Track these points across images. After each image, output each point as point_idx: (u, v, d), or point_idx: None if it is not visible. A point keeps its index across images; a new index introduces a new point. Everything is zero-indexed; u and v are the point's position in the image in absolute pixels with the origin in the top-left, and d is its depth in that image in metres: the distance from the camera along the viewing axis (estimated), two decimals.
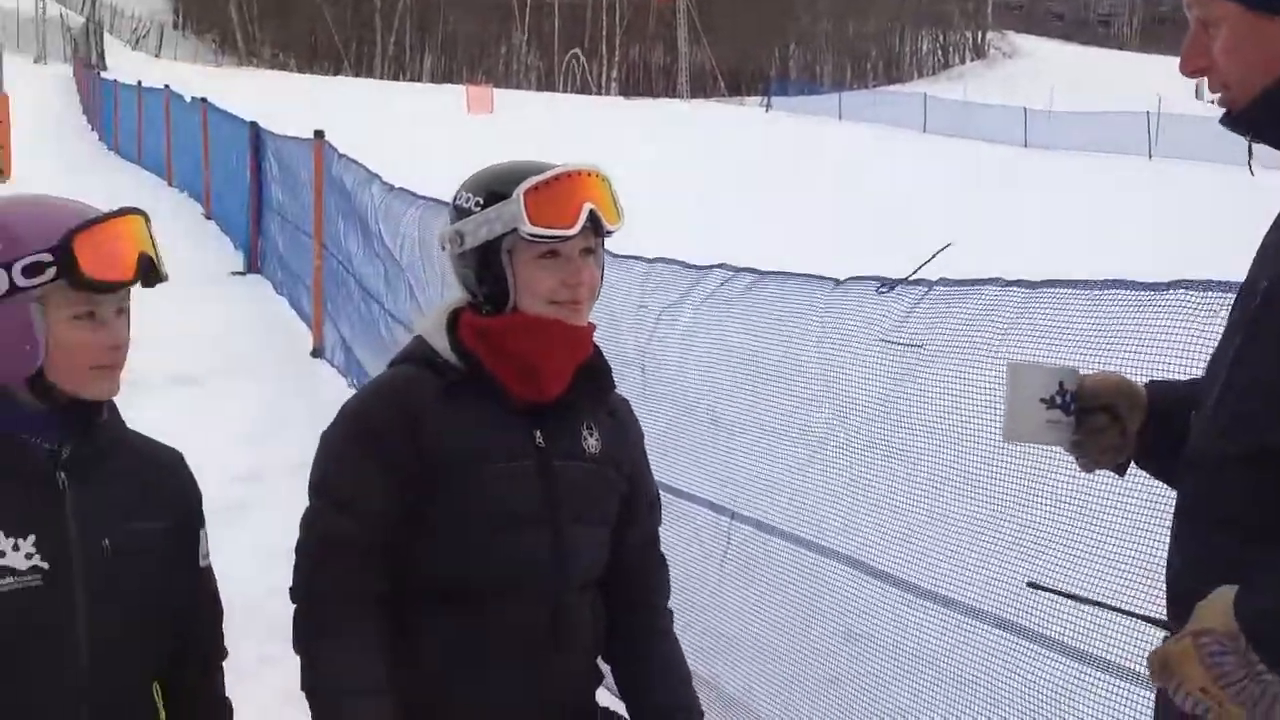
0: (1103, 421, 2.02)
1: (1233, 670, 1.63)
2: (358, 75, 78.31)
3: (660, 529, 2.54)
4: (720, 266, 4.37)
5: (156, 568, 2.09)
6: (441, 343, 2.31)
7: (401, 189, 8.11)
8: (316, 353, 10.40)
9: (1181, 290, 2.69)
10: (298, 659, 2.25)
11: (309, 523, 2.28)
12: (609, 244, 2.38)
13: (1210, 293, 2.61)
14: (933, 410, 3.34)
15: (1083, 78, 72.50)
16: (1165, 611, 1.88)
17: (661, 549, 2.53)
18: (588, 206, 2.23)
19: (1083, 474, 2.16)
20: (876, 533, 3.58)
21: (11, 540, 1.94)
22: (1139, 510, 2.60)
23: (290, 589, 2.27)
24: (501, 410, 2.27)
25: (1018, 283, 3.16)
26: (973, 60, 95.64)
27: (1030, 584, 2.04)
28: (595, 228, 2.25)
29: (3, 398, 1.99)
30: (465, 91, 54.12)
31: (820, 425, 3.82)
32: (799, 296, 3.91)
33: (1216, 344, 1.93)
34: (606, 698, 2.50)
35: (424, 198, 7.43)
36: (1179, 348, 2.57)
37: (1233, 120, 1.84)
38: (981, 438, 3.10)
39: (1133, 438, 2.03)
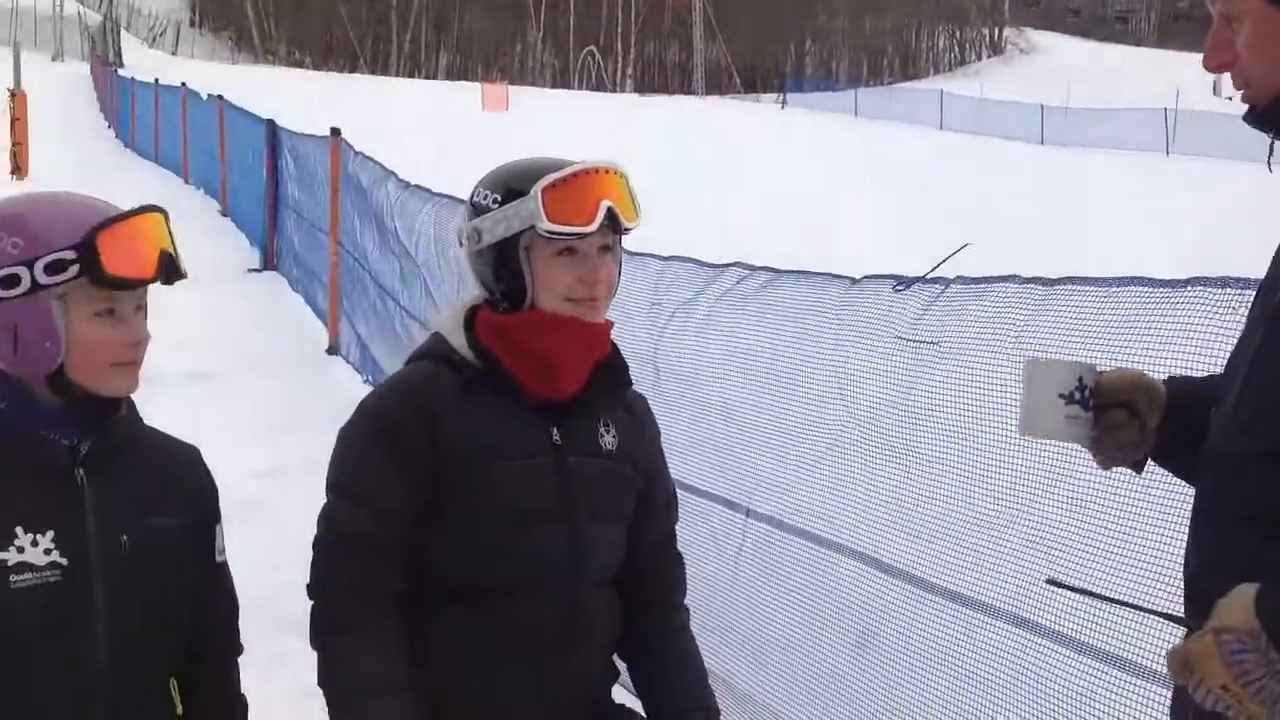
0: (1121, 418, 2.01)
1: (1254, 668, 1.63)
2: (373, 73, 78.41)
3: (676, 526, 2.54)
4: (736, 265, 4.36)
5: (174, 563, 2.10)
6: (459, 340, 2.31)
7: (417, 186, 8.12)
8: (332, 350, 10.42)
9: (1199, 287, 2.68)
10: (313, 655, 2.25)
11: (327, 519, 2.28)
12: (624, 241, 2.38)
13: (1228, 289, 2.60)
14: (948, 407, 3.33)
15: (1100, 74, 72.31)
16: (1183, 609, 1.87)
17: (677, 546, 2.53)
18: (605, 204, 2.23)
19: (1100, 471, 2.15)
20: (891, 530, 3.57)
21: (30, 536, 1.95)
22: (1156, 507, 2.59)
23: (307, 585, 2.28)
24: (518, 407, 2.27)
25: (1035, 280, 3.15)
26: (989, 57, 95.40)
27: (1050, 581, 2.03)
28: (613, 225, 2.25)
29: (22, 394, 2.00)
30: (480, 89, 54.17)
31: (835, 422, 3.81)
32: (814, 295, 3.90)
33: (1236, 341, 1.92)
34: (623, 695, 2.50)
35: (439, 195, 7.44)
36: (1197, 345, 2.56)
37: (1255, 117, 1.83)
38: (997, 435, 3.09)
39: (1151, 434, 2.02)
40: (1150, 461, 2.08)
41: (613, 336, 2.39)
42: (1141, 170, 32.19)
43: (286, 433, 7.72)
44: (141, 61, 49.76)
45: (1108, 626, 2.78)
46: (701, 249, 5.28)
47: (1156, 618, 1.92)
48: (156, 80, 27.04)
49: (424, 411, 2.25)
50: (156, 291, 2.06)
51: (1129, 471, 2.13)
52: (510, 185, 2.26)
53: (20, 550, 1.94)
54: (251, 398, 8.77)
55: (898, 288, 3.56)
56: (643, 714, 2.43)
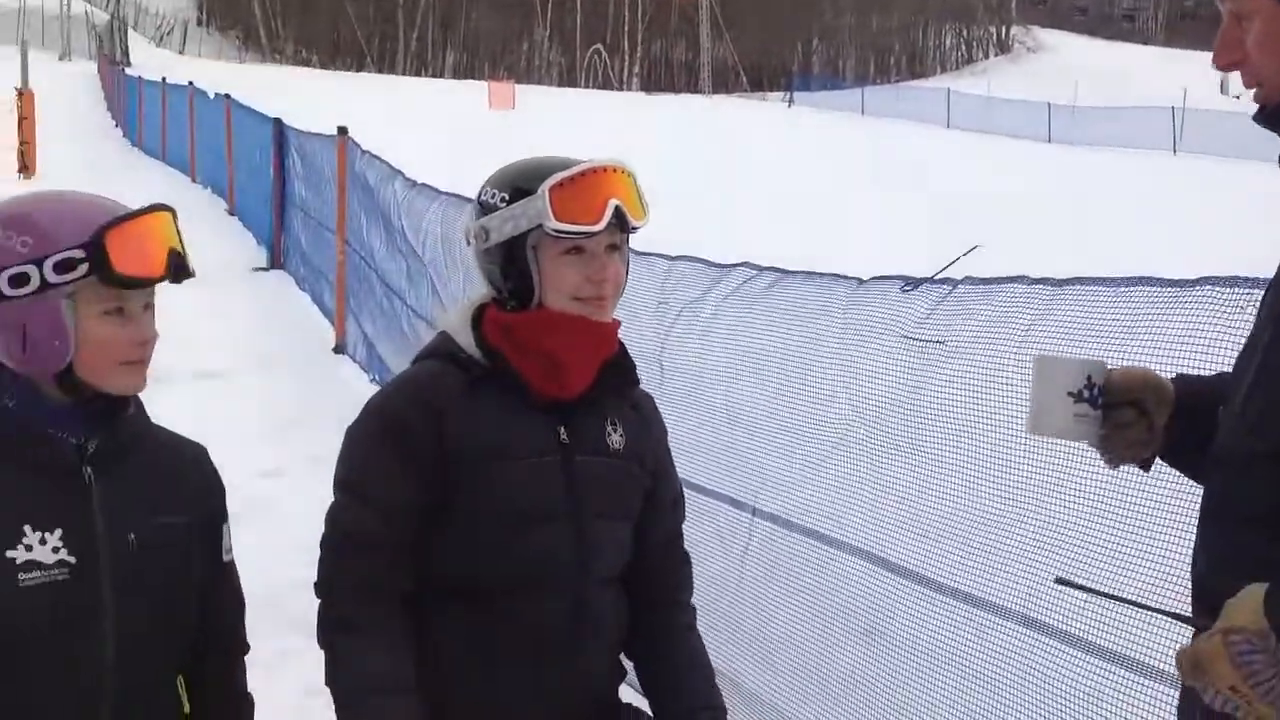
0: (1129, 416, 2.00)
1: (1262, 669, 1.62)
2: (380, 71, 78.42)
3: (683, 525, 2.53)
4: (743, 265, 4.35)
5: (181, 562, 2.10)
6: (466, 338, 2.31)
7: (424, 185, 8.12)
8: (339, 348, 10.43)
9: (1208, 286, 2.67)
10: (319, 653, 2.26)
11: (334, 518, 2.28)
12: (631, 239, 2.37)
13: (1237, 289, 2.59)
14: (956, 407, 3.32)
15: (1107, 73, 72.17)
16: (1190, 609, 1.87)
17: (684, 545, 2.53)
18: (613, 203, 2.23)
19: (1107, 470, 2.15)
20: (898, 529, 3.57)
21: (39, 534, 1.95)
22: (1163, 507, 2.58)
23: (314, 584, 2.28)
24: (525, 406, 2.27)
25: (1043, 280, 3.14)
26: (996, 55, 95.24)
27: (1059, 580, 2.02)
28: (620, 224, 2.25)
29: (31, 393, 2.00)
30: (487, 87, 54.19)
31: (841, 421, 3.81)
32: (821, 295, 3.89)
33: (1244, 340, 1.92)
34: (629, 694, 2.49)
35: (446, 194, 7.44)
36: (1206, 344, 2.56)
37: (1266, 116, 1.82)
38: (1004, 433, 3.08)
39: (1159, 433, 2.01)
40: (1158, 460, 2.08)
41: (619, 335, 2.39)
42: (1149, 169, 32.15)
43: (293, 431, 7.73)
44: (149, 60, 49.83)
45: (1115, 626, 2.78)
46: (708, 248, 5.27)
47: (1164, 618, 1.91)
48: (164, 79, 27.04)
49: (431, 410, 2.24)
50: (163, 290, 2.06)
51: (1136, 470, 2.13)
52: (518, 184, 2.26)
53: (28, 549, 1.94)
54: (258, 396, 8.78)
55: (905, 288, 3.55)
56: (649, 713, 2.43)
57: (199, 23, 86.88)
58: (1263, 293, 1.91)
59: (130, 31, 65.80)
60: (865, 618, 3.68)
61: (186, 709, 2.19)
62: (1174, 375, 2.10)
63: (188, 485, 2.16)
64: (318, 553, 2.28)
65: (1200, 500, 1.91)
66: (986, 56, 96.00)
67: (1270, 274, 1.87)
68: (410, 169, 8.91)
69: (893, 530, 3.59)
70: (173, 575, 2.09)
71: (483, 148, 15.38)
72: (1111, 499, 2.78)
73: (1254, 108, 1.84)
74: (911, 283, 3.55)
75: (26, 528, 1.95)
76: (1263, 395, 1.76)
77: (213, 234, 14.55)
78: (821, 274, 4.00)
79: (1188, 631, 1.85)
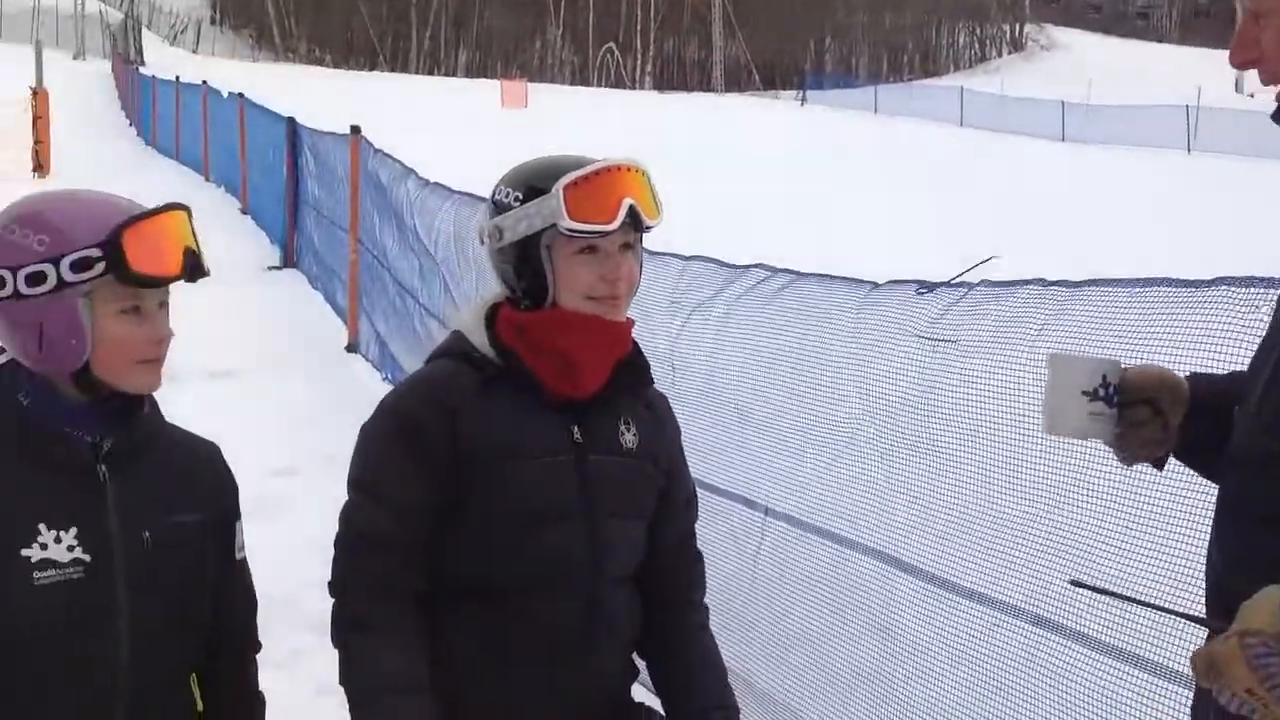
0: (1144, 415, 1.99)
1: (1279, 672, 1.61)
2: (393, 70, 78.55)
3: (696, 525, 2.53)
4: (758, 266, 4.34)
5: (194, 560, 2.11)
6: (480, 338, 2.31)
7: (437, 184, 8.13)
8: (351, 347, 10.44)
9: (1224, 286, 2.66)
10: (332, 652, 2.26)
11: (347, 517, 2.28)
12: (645, 240, 2.37)
13: (1253, 289, 2.58)
14: (969, 406, 3.32)
15: (1121, 71, 71.95)
16: (1204, 609, 1.86)
17: (697, 544, 2.53)
18: (627, 202, 2.22)
19: (1121, 470, 2.14)
20: (911, 529, 3.56)
21: (54, 533, 1.96)
22: (1178, 507, 2.57)
23: (328, 583, 2.28)
24: (539, 405, 2.27)
25: (1059, 283, 3.12)
26: (1010, 53, 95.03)
27: (1073, 582, 2.01)
28: (635, 223, 2.24)
29: (47, 391, 2.01)
30: (500, 86, 54.22)
31: (854, 421, 3.80)
32: (836, 298, 3.88)
33: (1260, 340, 1.91)
34: (642, 693, 2.49)
35: (459, 192, 7.45)
36: (1221, 344, 2.55)
37: None
38: (1017, 433, 3.07)
39: (1174, 432, 2.00)
40: (1172, 459, 2.07)
41: (633, 335, 2.38)
42: (1163, 168, 32.05)
43: (306, 430, 7.74)
44: (162, 59, 49.96)
45: (1128, 626, 2.77)
46: (720, 248, 5.27)
47: (1178, 619, 1.91)
48: (177, 78, 27.11)
49: (445, 410, 2.24)
50: (176, 289, 2.07)
51: (1150, 469, 2.12)
52: (532, 183, 2.26)
53: (44, 547, 1.95)
54: (271, 395, 8.80)
55: (920, 291, 3.54)
56: (662, 712, 2.43)
57: (213, 22, 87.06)
58: (1279, 292, 1.90)
59: (144, 30, 65.93)
60: (878, 617, 3.67)
61: (200, 707, 2.20)
62: (1189, 374, 2.09)
63: (201, 484, 2.16)
64: (331, 552, 2.28)
65: (1214, 500, 1.90)
66: (1000, 55, 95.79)
67: None
68: (423, 168, 8.92)
69: (905, 530, 3.59)
70: (186, 574, 2.09)
71: (495, 147, 15.39)
72: (1125, 498, 2.77)
73: (1270, 106, 1.83)
74: (926, 286, 3.54)
75: (42, 526, 1.96)
76: (1278, 395, 1.75)
77: (226, 233, 14.58)
78: (836, 277, 3.99)
79: (1201, 632, 1.84)
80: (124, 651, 2.01)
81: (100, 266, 1.95)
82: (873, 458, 3.72)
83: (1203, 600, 1.90)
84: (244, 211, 18.04)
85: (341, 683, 2.22)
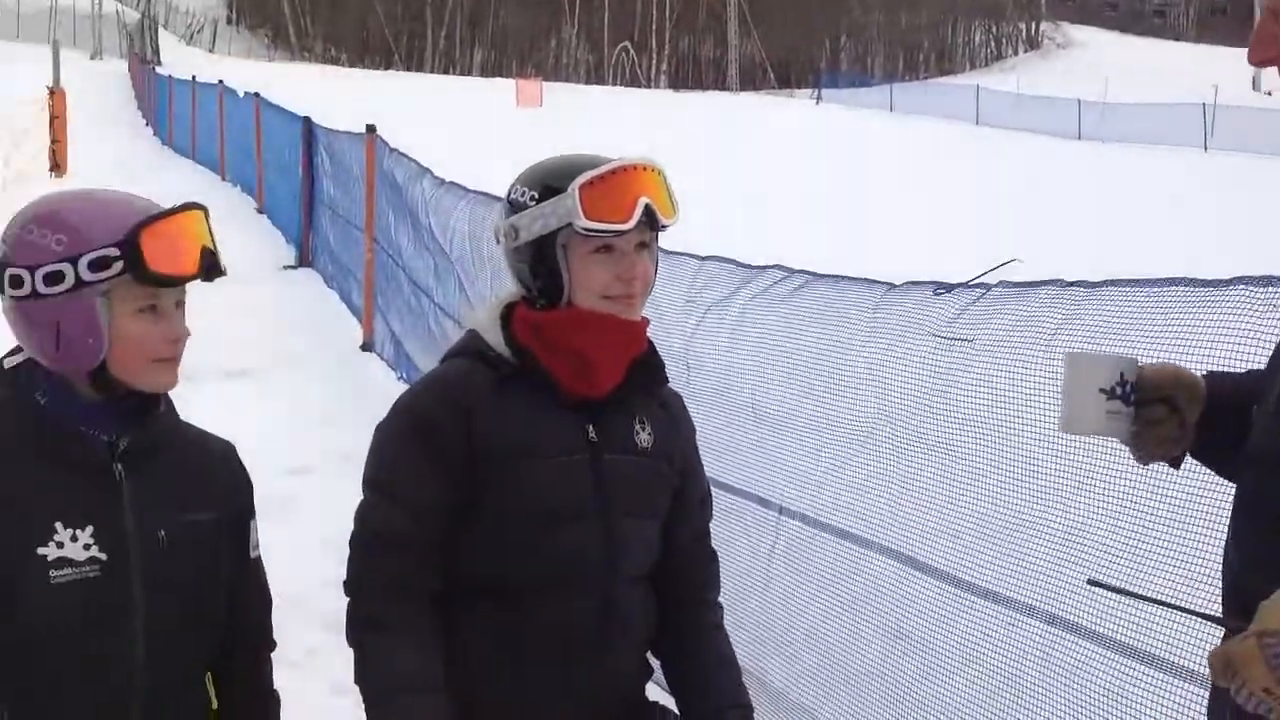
0: (1161, 413, 1.99)
1: None
2: (408, 70, 78.64)
3: (710, 524, 2.53)
4: (775, 267, 4.34)
5: (209, 558, 2.12)
6: (495, 337, 2.31)
7: (452, 183, 8.13)
8: (366, 346, 10.46)
9: (1242, 286, 2.65)
10: (347, 651, 2.26)
11: (363, 516, 2.29)
12: (661, 239, 2.37)
13: (1271, 288, 2.57)
14: (984, 406, 3.31)
15: (1137, 69, 71.70)
16: (1220, 608, 1.85)
17: (711, 543, 2.53)
18: (643, 201, 2.22)
19: (1135, 467, 2.13)
20: (926, 528, 3.56)
21: (70, 531, 1.97)
22: (1194, 506, 2.56)
23: (344, 582, 2.28)
24: (555, 404, 2.27)
25: (1077, 284, 3.11)
26: (1026, 51, 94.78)
27: (1091, 581, 2.00)
28: (650, 222, 2.24)
29: (64, 390, 2.02)
30: (515, 85, 54.24)
31: (869, 420, 3.80)
32: (852, 298, 3.88)
33: (1278, 339, 1.90)
34: (656, 692, 2.49)
35: (474, 191, 7.45)
36: (1239, 344, 2.54)
37: None
38: (1033, 432, 3.07)
39: (1191, 430, 2.00)
40: (1188, 458, 2.06)
41: (648, 334, 2.38)
42: (1179, 166, 31.93)
43: (321, 429, 7.76)
44: (179, 59, 50.08)
45: (1144, 626, 2.76)
46: (736, 248, 5.26)
47: (1194, 618, 1.90)
48: (194, 78, 27.18)
49: (460, 409, 2.25)
50: (192, 288, 2.07)
51: (1167, 469, 2.11)
52: (548, 182, 2.26)
53: (60, 545, 1.96)
54: (286, 394, 8.82)
55: (938, 292, 3.53)
56: (676, 712, 2.43)
57: (229, 21, 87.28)
58: None
59: (161, 30, 66.13)
60: (892, 616, 3.67)
61: (215, 706, 2.20)
62: (1206, 373, 2.09)
63: (216, 482, 2.17)
64: (346, 551, 2.29)
65: (1231, 499, 1.90)
66: (1016, 53, 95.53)
67: None
68: (438, 167, 8.92)
69: (920, 529, 3.58)
70: (202, 572, 2.10)
71: (510, 146, 15.40)
72: (1141, 498, 2.76)
73: None
74: (944, 287, 3.53)
75: (58, 525, 1.96)
76: None
77: (242, 232, 14.61)
78: (853, 278, 3.99)
79: (1217, 631, 1.83)
80: (139, 650, 2.01)
81: (118, 266, 1.96)
82: (888, 457, 3.71)
83: (1219, 600, 1.90)
84: (260, 211, 18.08)
85: (357, 682, 2.23)
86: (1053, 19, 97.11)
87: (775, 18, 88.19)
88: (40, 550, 1.94)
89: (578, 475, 2.27)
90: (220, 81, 23.78)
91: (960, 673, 3.37)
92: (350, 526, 2.30)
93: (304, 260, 14.34)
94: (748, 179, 24.00)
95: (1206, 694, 2.03)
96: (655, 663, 2.48)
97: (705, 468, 2.54)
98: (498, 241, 2.35)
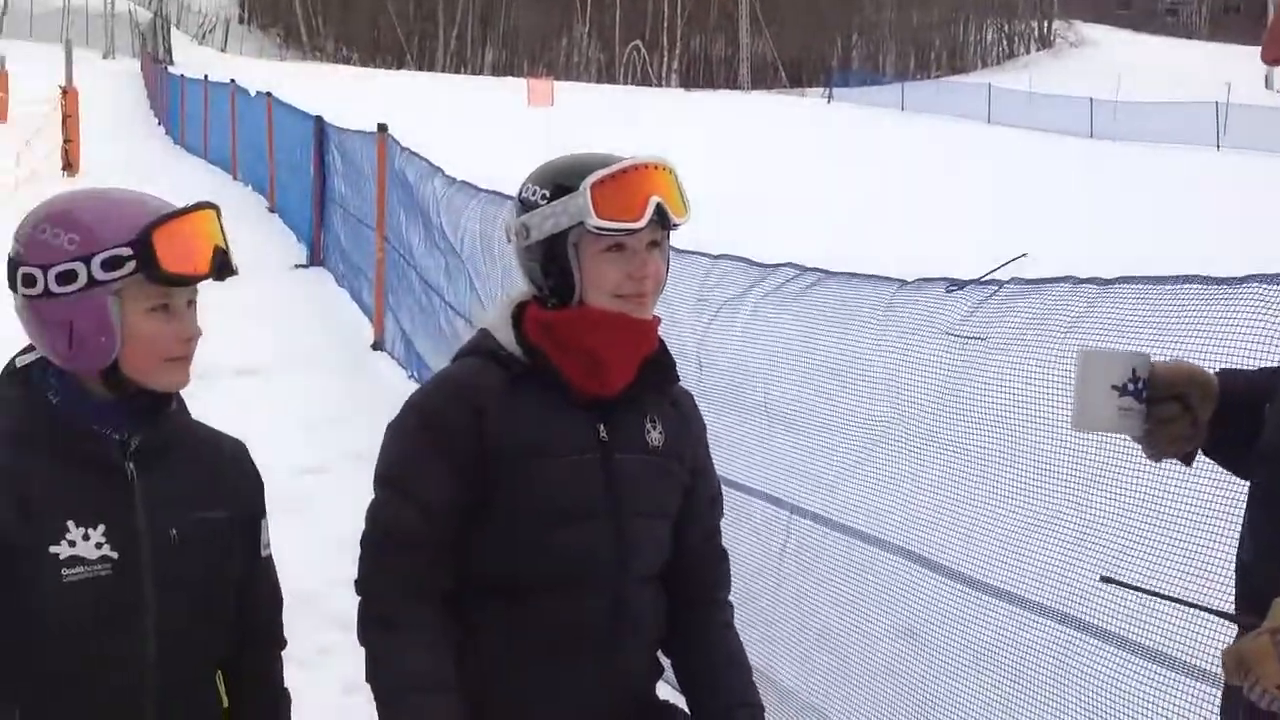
0: (1173, 410, 1.98)
1: None
2: (420, 69, 78.70)
3: (721, 522, 2.52)
4: (787, 265, 4.33)
5: (220, 557, 2.12)
6: (506, 336, 2.31)
7: (463, 182, 8.14)
8: (377, 345, 10.46)
9: (1256, 284, 2.65)
10: (359, 650, 2.26)
11: (374, 515, 2.29)
12: (673, 238, 2.37)
13: None
14: (997, 404, 3.30)
15: (1150, 67, 71.51)
16: (1233, 606, 1.85)
17: (722, 542, 2.52)
18: (654, 200, 2.22)
19: (1147, 465, 2.13)
20: (937, 526, 3.55)
21: (82, 530, 1.97)
22: (1206, 502, 2.55)
23: (355, 581, 2.28)
24: (566, 403, 2.27)
25: (1090, 280, 3.11)
26: (1038, 50, 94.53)
27: (1104, 578, 2.00)
28: (662, 221, 2.24)
29: (76, 389, 2.02)
30: (526, 84, 54.23)
31: (881, 419, 3.79)
32: (864, 296, 3.87)
33: None
34: (667, 691, 2.49)
35: (485, 190, 7.45)
36: (1252, 341, 2.53)
37: None
38: (1045, 431, 3.06)
39: (1203, 428, 1.99)
40: (1200, 456, 2.06)
41: (660, 332, 2.38)
42: (1193, 165, 31.84)
43: (331, 428, 7.77)
44: (191, 58, 50.18)
45: (1155, 624, 2.75)
46: (746, 246, 5.26)
47: (1207, 615, 1.89)
48: (206, 77, 27.24)
49: (471, 408, 2.25)
50: (204, 287, 2.07)
51: (1179, 466, 2.11)
52: (559, 181, 2.26)
53: (72, 544, 1.96)
54: (297, 393, 8.83)
55: (950, 289, 3.52)
56: (687, 710, 2.42)
57: (241, 21, 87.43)
58: None
59: (173, 30, 66.25)
60: (903, 615, 3.66)
61: (225, 704, 2.20)
62: (1218, 370, 2.08)
63: (227, 481, 2.17)
64: (358, 550, 2.29)
65: (1244, 496, 1.89)
66: (1028, 51, 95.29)
67: None
68: (449, 166, 8.93)
69: (931, 528, 3.58)
70: (212, 570, 2.10)
71: (522, 144, 15.40)
72: (1153, 496, 2.75)
73: None
74: (956, 284, 3.52)
75: (70, 523, 1.97)
76: None
77: (254, 231, 14.63)
78: (865, 275, 3.98)
79: (1230, 629, 1.83)
80: (151, 648, 2.02)
81: (130, 265, 1.96)
82: (900, 456, 3.70)
83: (1232, 597, 1.89)
84: (271, 210, 18.11)
85: (368, 681, 2.23)
86: (1065, 17, 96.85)
87: (787, 16, 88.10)
88: (52, 549, 1.95)
89: (589, 474, 2.27)
90: (232, 81, 23.81)
91: (972, 672, 3.37)
92: (361, 525, 2.30)
93: (315, 259, 14.36)
94: (759, 178, 23.98)
95: (1219, 693, 2.03)
96: (666, 662, 2.47)
97: (716, 466, 2.54)
98: (509, 240, 2.35)
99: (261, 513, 2.24)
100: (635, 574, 2.30)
